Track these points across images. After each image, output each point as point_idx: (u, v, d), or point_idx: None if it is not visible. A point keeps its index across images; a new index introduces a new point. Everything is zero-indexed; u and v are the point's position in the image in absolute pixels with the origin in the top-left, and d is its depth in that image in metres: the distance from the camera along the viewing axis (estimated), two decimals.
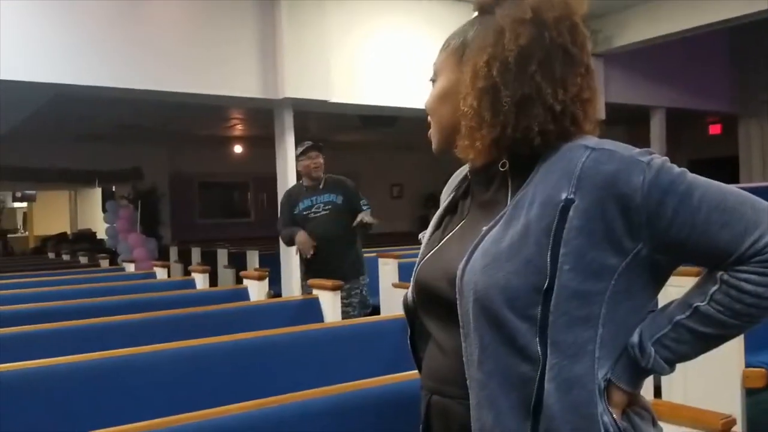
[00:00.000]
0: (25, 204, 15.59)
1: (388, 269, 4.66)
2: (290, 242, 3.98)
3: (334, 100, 5.92)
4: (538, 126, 0.91)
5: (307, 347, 2.33)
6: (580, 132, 0.93)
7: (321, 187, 4.05)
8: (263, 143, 8.57)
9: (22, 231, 15.72)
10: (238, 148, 12.03)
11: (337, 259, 3.80)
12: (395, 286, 4.48)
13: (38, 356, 2.14)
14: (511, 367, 0.87)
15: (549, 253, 0.86)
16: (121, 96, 5.48)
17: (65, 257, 8.22)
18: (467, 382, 0.91)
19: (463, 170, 1.10)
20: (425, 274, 1.02)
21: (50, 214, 15.49)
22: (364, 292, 3.94)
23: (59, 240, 12.53)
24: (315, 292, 3.07)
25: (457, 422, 0.96)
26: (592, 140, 0.92)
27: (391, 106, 6.43)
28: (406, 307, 1.08)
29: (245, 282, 3.74)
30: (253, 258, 6.90)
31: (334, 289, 2.95)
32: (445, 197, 1.12)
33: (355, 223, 3.80)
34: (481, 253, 0.91)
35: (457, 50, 1.01)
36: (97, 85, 5.04)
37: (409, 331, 1.08)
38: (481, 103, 0.92)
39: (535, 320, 0.86)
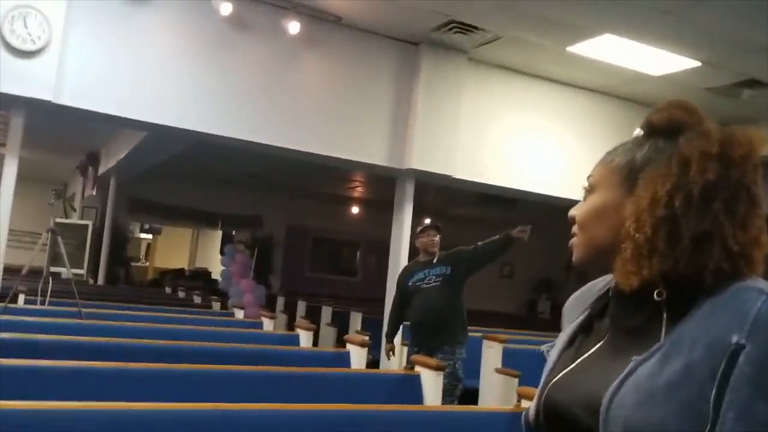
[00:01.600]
0: (150, 236, 16.60)
1: (492, 353, 4.52)
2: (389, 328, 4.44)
3: (457, 176, 5.95)
4: (713, 265, 0.86)
5: (403, 427, 2.26)
6: (751, 273, 0.88)
7: (434, 261, 4.40)
8: (380, 207, 8.74)
9: (144, 261, 16.69)
10: (354, 209, 12.32)
11: (442, 326, 4.06)
12: (498, 371, 4.32)
13: (133, 394, 2.21)
14: None
15: (713, 398, 0.81)
16: (258, 150, 5.77)
17: (181, 293, 8.60)
18: None
19: (597, 285, 1.06)
20: (558, 395, 0.96)
21: (172, 249, 16.42)
22: (457, 365, 3.99)
23: (176, 275, 13.18)
24: (417, 368, 3.00)
25: None
26: (764, 284, 0.87)
27: (512, 188, 6.38)
28: (527, 422, 1.02)
29: (348, 346, 3.73)
30: (356, 319, 6.93)
31: (437, 369, 2.88)
32: (575, 312, 1.06)
33: (512, 233, 4.33)
34: (634, 387, 0.85)
35: (621, 169, 0.97)
36: (238, 137, 5.35)
37: None
38: (658, 232, 0.89)
39: None
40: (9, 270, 4.86)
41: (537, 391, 1.00)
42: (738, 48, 5.32)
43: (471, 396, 4.38)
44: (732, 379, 0.81)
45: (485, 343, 4.67)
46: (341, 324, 7.06)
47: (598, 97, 6.67)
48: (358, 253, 13.07)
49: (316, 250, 12.73)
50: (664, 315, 0.90)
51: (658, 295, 0.90)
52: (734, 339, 0.82)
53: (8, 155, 4.84)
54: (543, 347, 1.08)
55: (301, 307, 8.40)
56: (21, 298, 5.34)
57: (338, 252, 13.11)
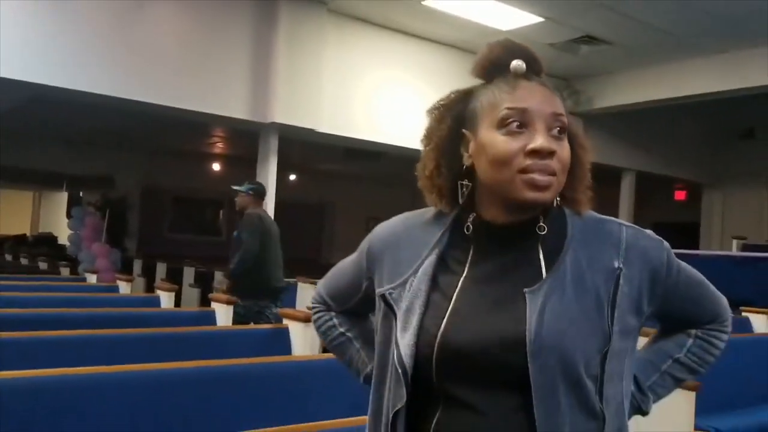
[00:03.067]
0: None
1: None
2: None
3: (322, 130, 5.91)
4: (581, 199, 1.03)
5: (274, 380, 2.25)
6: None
7: None
8: (243, 163, 8.50)
9: None
10: (217, 166, 11.92)
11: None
12: None
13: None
14: (583, 427, 0.93)
15: (609, 316, 0.96)
16: (105, 103, 5.39)
17: (24, 261, 7.96)
18: None
19: (414, 222, 1.08)
20: (459, 337, 0.95)
21: (10, 214, 15.07)
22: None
23: (18, 241, 12.18)
24: (286, 321, 2.99)
25: None
26: (604, 216, 1.05)
27: (377, 142, 6.45)
28: (405, 375, 0.97)
29: (213, 305, 3.64)
30: (219, 278, 6.75)
31: (306, 320, 2.88)
32: (405, 250, 1.05)
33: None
34: (554, 316, 0.93)
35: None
36: (78, 89, 4.95)
37: (404, 400, 0.97)
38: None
39: (596, 380, 0.94)
40: None
41: (410, 335, 0.97)
42: (577, 5, 5.67)
43: None
44: (617, 297, 0.96)
45: None
46: (205, 285, 6.87)
47: (455, 51, 6.84)
48: (221, 211, 12.72)
49: (176, 210, 12.23)
50: (540, 247, 0.98)
51: (539, 229, 0.98)
52: (615, 263, 0.98)
53: None
54: (382, 290, 1.04)
55: (161, 269, 8.06)
56: None
57: (201, 211, 12.68)
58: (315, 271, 6.97)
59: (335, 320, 1.22)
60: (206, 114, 5.61)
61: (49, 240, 12.66)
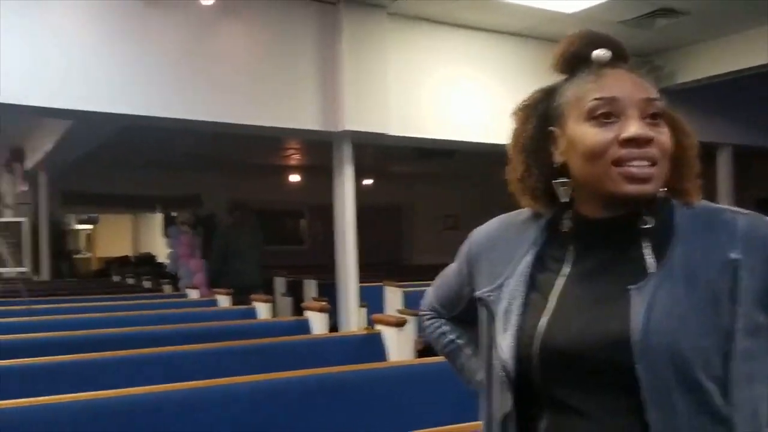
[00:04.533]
0: (89, 226, 16.15)
1: None
2: None
3: (392, 133, 5.99)
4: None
5: (372, 387, 2.35)
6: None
7: None
8: (319, 172, 8.72)
9: (86, 252, 16.25)
10: (294, 177, 12.24)
11: None
12: None
13: (106, 384, 2.22)
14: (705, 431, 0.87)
15: (729, 312, 0.88)
16: (187, 127, 5.67)
17: (129, 281, 8.47)
18: None
19: (513, 221, 1.07)
20: (560, 338, 0.93)
21: (112, 237, 16.01)
22: None
23: (122, 262, 12.91)
24: (378, 327, 3.10)
25: None
26: (717, 204, 1.00)
27: (447, 140, 6.48)
28: (508, 378, 0.96)
29: (306, 313, 3.79)
30: (310, 287, 6.97)
31: (398, 325, 2.97)
32: (504, 251, 1.04)
33: None
34: (663, 314, 0.88)
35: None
36: (165, 116, 5.24)
37: (510, 404, 0.97)
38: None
39: (720, 382, 0.87)
40: None
41: (510, 336, 0.96)
42: None
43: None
44: (738, 292, 0.88)
45: None
46: (296, 293, 7.10)
47: (520, 40, 6.77)
48: (303, 221, 13.05)
49: (261, 222, 12.62)
50: (644, 241, 0.94)
51: (643, 223, 0.94)
52: (732, 255, 0.90)
53: None
54: (480, 293, 1.04)
55: None
56: None
57: (282, 222, 13.04)
58: (399, 273, 7.04)
59: (445, 327, 1.22)
60: (281, 128, 5.80)
61: (149, 260, 13.36)
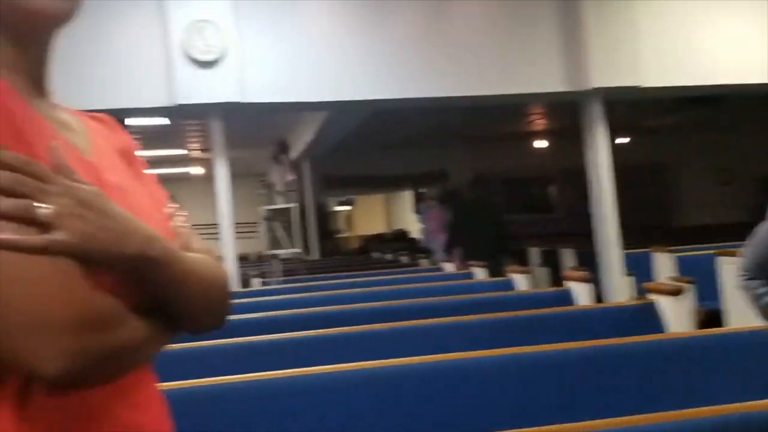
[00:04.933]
0: (347, 207, 17.48)
1: (730, 269, 4.10)
2: None
3: (647, 84, 5.48)
4: None
5: (647, 361, 2.13)
6: None
7: None
8: (566, 135, 8.35)
9: (346, 232, 17.61)
10: (539, 143, 11.92)
11: None
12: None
13: (374, 354, 2.29)
14: None
15: None
16: (433, 105, 5.77)
17: (388, 257, 8.96)
18: None
19: None
20: None
21: (367, 216, 17.16)
22: None
23: (378, 240, 13.75)
24: (650, 296, 2.82)
25: None
26: None
27: (713, 85, 5.74)
28: None
29: (567, 284, 3.61)
30: (568, 257, 6.71)
31: (674, 293, 2.68)
32: None
33: None
34: None
35: None
36: (408, 96, 5.39)
37: None
38: None
39: None
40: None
41: None
42: None
43: (715, 321, 4.03)
44: None
45: (721, 260, 4.22)
46: (552, 264, 6.89)
47: None
48: (551, 188, 12.65)
49: (506, 192, 12.51)
50: None
51: None
52: None
53: (217, 157, 5.33)
54: None
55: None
56: (255, 281, 5.89)
57: (530, 190, 12.78)
58: (668, 237, 6.50)
59: (763, 288, 1.27)
60: (525, 95, 5.63)
61: (403, 235, 14.04)
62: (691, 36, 5.59)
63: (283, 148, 11.03)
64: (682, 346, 2.19)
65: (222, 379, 1.97)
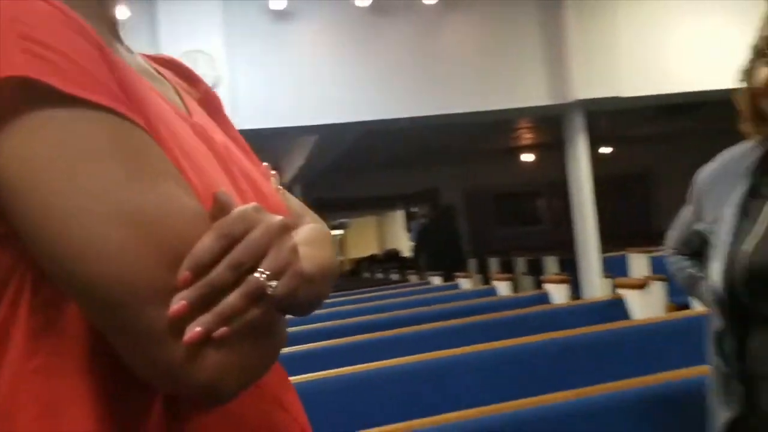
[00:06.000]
0: (341, 231, 17.59)
1: None
2: None
3: (626, 94, 5.63)
4: None
5: (611, 346, 2.26)
6: None
7: None
8: (552, 148, 8.51)
9: (339, 256, 17.67)
10: (526, 157, 12.09)
11: None
12: None
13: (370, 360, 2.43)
14: None
15: None
16: (421, 123, 5.92)
17: (378, 275, 9.06)
18: None
19: (733, 156, 1.16)
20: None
21: (361, 239, 17.26)
22: None
23: (370, 261, 13.84)
24: (619, 291, 2.95)
25: None
26: None
27: (689, 92, 5.90)
28: (718, 299, 1.06)
29: (545, 286, 3.74)
30: (551, 264, 6.88)
31: (640, 287, 2.81)
32: (724, 185, 1.12)
33: None
34: None
35: None
36: (397, 117, 5.55)
37: (722, 323, 1.06)
38: None
39: None
40: None
41: (719, 262, 1.04)
42: None
43: None
44: None
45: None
46: (537, 272, 7.03)
47: None
48: (539, 200, 12.83)
49: (498, 207, 12.67)
50: None
51: None
52: None
53: None
54: (698, 226, 1.16)
55: (494, 263, 8.47)
56: None
57: (520, 204, 12.94)
58: (646, 240, 6.65)
59: (684, 262, 1.35)
60: (510, 110, 5.79)
61: (395, 255, 14.13)
62: (667, 46, 5.74)
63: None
64: (643, 331, 2.32)
65: None
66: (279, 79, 5.33)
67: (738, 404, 1.06)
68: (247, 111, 5.15)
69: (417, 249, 8.72)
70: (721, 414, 1.08)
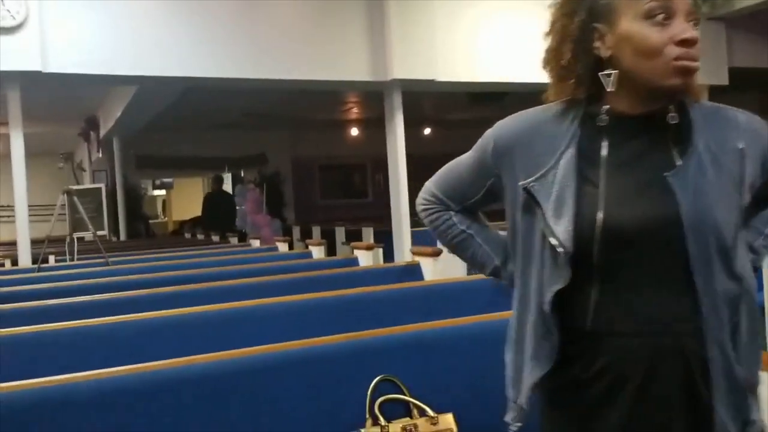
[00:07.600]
0: (164, 192, 16.92)
1: None
2: None
3: (440, 78, 6.06)
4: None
5: (406, 301, 2.57)
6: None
7: None
8: (380, 124, 8.89)
9: (162, 217, 17.04)
10: (355, 131, 12.45)
11: None
12: None
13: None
14: (729, 289, 1.06)
15: (740, 191, 1.08)
16: (244, 86, 5.92)
17: (200, 236, 8.95)
18: (704, 311, 1.04)
19: (555, 114, 1.14)
20: (624, 220, 1.05)
21: (186, 201, 16.73)
22: None
23: (194, 223, 13.51)
24: (416, 258, 3.30)
25: (696, 356, 1.05)
26: (716, 103, 1.15)
27: (499, 82, 6.48)
28: (566, 256, 1.06)
29: (356, 252, 4.03)
30: (368, 234, 7.27)
31: (434, 255, 3.16)
32: (539, 147, 1.12)
33: None
34: (704, 195, 1.04)
35: None
36: (221, 76, 5.50)
37: (566, 280, 1.07)
38: None
39: (734, 248, 1.07)
40: (34, 242, 5.17)
41: (566, 221, 1.06)
42: None
43: None
44: (745, 175, 1.08)
45: None
46: (356, 241, 7.38)
47: None
48: (365, 174, 13.31)
49: (324, 178, 12.97)
50: (669, 134, 1.08)
51: (671, 119, 1.08)
52: (740, 145, 1.09)
53: (12, 131, 5.03)
54: (523, 183, 1.12)
55: (316, 232, 8.74)
56: (51, 259, 5.68)
57: (347, 176, 13.33)
58: None
59: (455, 219, 1.27)
60: (333, 81, 5.97)
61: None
62: (479, 36, 6.25)
63: (92, 124, 10.53)
64: (430, 290, 2.66)
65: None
66: (97, 22, 5.05)
67: (550, 361, 1.09)
68: (58, 54, 4.85)
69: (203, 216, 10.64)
70: (532, 370, 1.11)
